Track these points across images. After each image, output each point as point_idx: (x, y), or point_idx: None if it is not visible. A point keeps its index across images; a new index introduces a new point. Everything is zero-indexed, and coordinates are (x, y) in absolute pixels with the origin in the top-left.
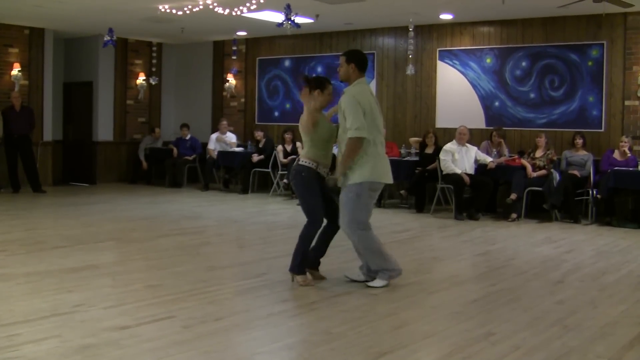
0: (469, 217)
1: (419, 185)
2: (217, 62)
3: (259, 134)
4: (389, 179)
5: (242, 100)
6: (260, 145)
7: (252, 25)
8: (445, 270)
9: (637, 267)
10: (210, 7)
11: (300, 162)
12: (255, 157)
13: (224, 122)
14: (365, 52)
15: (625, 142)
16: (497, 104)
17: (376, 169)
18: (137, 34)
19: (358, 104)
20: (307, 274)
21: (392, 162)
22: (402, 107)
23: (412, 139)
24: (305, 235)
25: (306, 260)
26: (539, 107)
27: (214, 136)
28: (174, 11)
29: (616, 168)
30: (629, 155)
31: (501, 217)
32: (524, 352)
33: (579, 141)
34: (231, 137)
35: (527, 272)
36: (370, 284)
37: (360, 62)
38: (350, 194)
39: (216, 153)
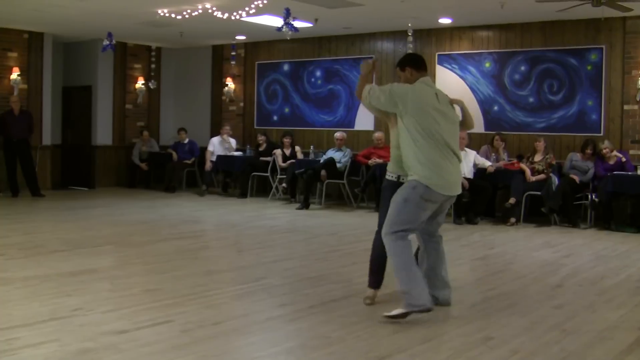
0: (468, 222)
1: None
2: (216, 67)
3: (261, 138)
4: (447, 189)
5: (241, 104)
6: (261, 149)
7: (251, 30)
8: None
9: (636, 271)
10: (209, 11)
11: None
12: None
13: (227, 127)
14: (364, 56)
15: (607, 149)
16: (496, 108)
17: (433, 175)
18: (136, 38)
19: (396, 88)
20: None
21: None
22: None
23: None
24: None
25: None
26: (538, 112)
27: (214, 139)
28: (173, 15)
29: (615, 172)
30: (618, 157)
31: (500, 222)
32: (522, 356)
33: (589, 152)
34: (231, 143)
35: (525, 276)
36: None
37: (413, 62)
38: (398, 194)
39: (214, 157)
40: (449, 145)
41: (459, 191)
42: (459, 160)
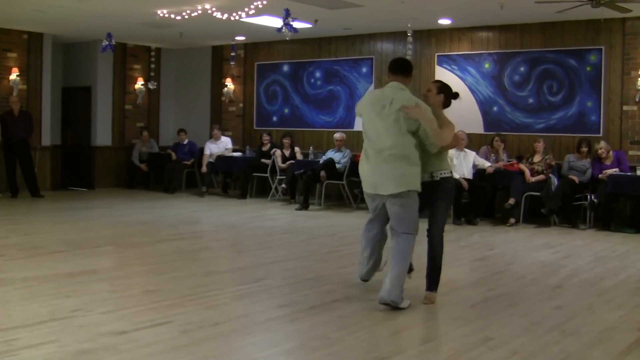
0: (467, 222)
1: None
2: (215, 67)
3: (265, 138)
4: (367, 188)
5: (241, 105)
6: (264, 149)
7: (251, 30)
8: (444, 275)
9: (635, 272)
10: (209, 12)
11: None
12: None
13: (215, 131)
14: (363, 57)
15: (602, 150)
16: (495, 109)
17: (361, 174)
18: (136, 39)
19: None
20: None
21: None
22: None
23: None
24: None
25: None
26: (538, 112)
27: (209, 143)
28: (172, 16)
29: (614, 173)
30: (612, 158)
31: (499, 222)
32: (522, 357)
33: (585, 149)
34: (227, 142)
35: (525, 277)
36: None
37: (390, 66)
38: None
39: (213, 159)
40: (371, 145)
41: (380, 192)
42: (382, 158)
